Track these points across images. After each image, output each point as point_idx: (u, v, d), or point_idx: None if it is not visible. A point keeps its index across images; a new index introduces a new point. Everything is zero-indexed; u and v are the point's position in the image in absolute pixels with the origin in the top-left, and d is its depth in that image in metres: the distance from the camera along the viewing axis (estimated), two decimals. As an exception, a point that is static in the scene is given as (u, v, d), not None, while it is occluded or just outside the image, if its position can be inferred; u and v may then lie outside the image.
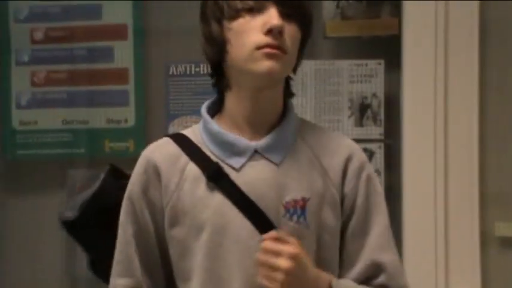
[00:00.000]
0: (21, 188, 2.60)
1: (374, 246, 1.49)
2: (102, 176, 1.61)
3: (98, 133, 2.52)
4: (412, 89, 2.24)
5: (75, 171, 2.50)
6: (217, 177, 1.46)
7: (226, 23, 1.43)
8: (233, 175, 1.44)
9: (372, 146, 2.30)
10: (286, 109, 1.52)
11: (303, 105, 2.31)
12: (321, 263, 1.47)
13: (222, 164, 1.46)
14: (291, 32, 1.41)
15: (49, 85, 2.54)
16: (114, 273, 1.50)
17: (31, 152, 2.55)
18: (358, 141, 2.13)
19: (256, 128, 1.48)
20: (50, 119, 2.54)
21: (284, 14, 1.40)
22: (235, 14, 1.41)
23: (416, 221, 2.24)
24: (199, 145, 1.48)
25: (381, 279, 1.48)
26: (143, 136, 2.44)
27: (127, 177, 1.55)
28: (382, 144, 2.31)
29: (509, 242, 2.28)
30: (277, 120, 1.50)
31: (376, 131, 2.33)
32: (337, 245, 1.49)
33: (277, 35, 1.37)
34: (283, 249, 1.36)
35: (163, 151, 1.49)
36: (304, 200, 1.45)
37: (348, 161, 1.49)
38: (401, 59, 2.25)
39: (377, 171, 2.25)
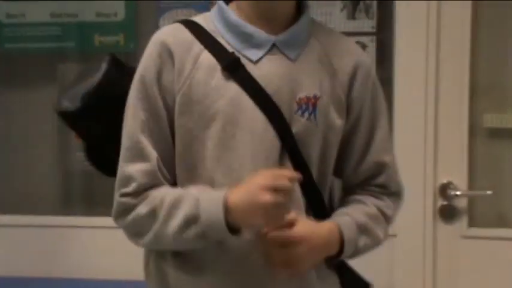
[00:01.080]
0: (10, 82, 2.59)
1: (378, 149, 1.54)
2: (104, 66, 1.59)
3: (88, 27, 2.50)
4: None
5: (65, 66, 2.51)
6: (233, 68, 1.46)
7: None
8: (249, 67, 1.45)
9: (364, 39, 2.29)
10: (301, 5, 1.51)
11: None
12: (323, 160, 1.51)
13: (238, 55, 1.46)
14: None
15: None
16: (125, 159, 1.48)
17: (19, 46, 2.54)
18: (350, 34, 2.17)
19: (272, 22, 1.48)
20: (38, 11, 2.51)
21: None
22: None
23: (407, 114, 2.27)
24: (213, 34, 1.48)
25: (381, 179, 1.54)
26: (133, 30, 2.42)
27: (129, 68, 1.55)
28: (374, 38, 2.31)
29: (496, 133, 2.33)
30: (292, 16, 1.50)
31: (368, 24, 2.32)
32: (338, 145, 1.53)
33: None
34: (294, 236, 1.38)
35: (178, 36, 1.48)
36: (316, 98, 1.47)
37: (357, 66, 1.50)
38: None
39: None
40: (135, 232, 1.47)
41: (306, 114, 1.46)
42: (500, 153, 2.36)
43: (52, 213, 2.53)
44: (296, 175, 1.39)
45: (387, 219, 1.56)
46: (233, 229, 1.37)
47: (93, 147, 1.62)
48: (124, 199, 1.46)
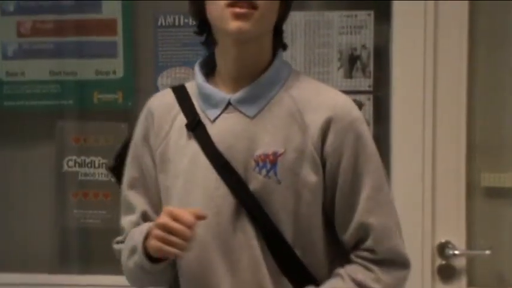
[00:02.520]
0: (9, 139, 2.59)
1: (362, 209, 1.49)
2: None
3: (87, 84, 2.50)
4: (401, 40, 2.25)
5: (64, 123, 2.51)
6: (194, 127, 1.52)
7: None
8: (208, 126, 1.49)
9: (361, 98, 2.30)
10: (274, 62, 1.52)
11: (292, 57, 2.31)
12: (299, 218, 1.49)
13: (202, 115, 1.51)
14: None
15: (36, 35, 2.51)
16: (121, 211, 1.62)
17: (18, 104, 2.54)
18: (347, 92, 2.01)
19: (239, 81, 1.51)
20: (37, 70, 2.52)
21: None
22: None
23: (405, 172, 2.27)
24: (192, 97, 1.54)
25: (368, 243, 1.50)
26: (132, 88, 2.44)
27: None
28: (371, 96, 2.32)
29: (494, 192, 2.33)
30: (259, 73, 1.51)
31: (365, 82, 2.33)
32: (319, 202, 1.50)
33: None
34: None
35: (162, 100, 1.57)
36: (276, 155, 1.47)
37: (330, 120, 1.47)
38: (391, 10, 2.26)
39: (366, 122, 2.23)
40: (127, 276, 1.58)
41: (264, 171, 1.46)
42: (498, 212, 2.35)
43: (48, 272, 2.51)
44: (201, 212, 1.39)
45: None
46: (152, 258, 1.44)
47: None
48: (117, 246, 1.61)
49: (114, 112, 2.43)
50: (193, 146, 1.50)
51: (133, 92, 2.33)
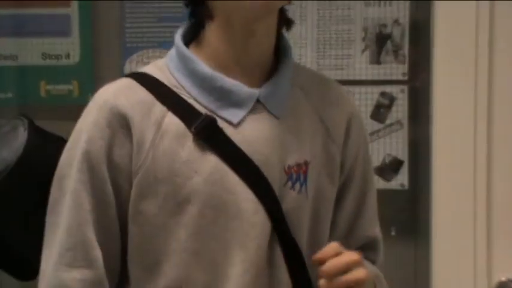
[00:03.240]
0: None
1: (369, 221, 1.47)
2: (24, 134, 1.44)
3: (31, 72, 2.27)
4: (446, 14, 2.00)
5: (2, 122, 2.26)
6: (209, 134, 1.32)
7: None
8: (229, 131, 1.31)
9: (393, 90, 2.10)
10: (281, 47, 1.39)
11: (301, 36, 2.12)
12: (313, 237, 1.40)
13: (213, 117, 1.33)
14: None
15: None
16: (62, 262, 1.31)
17: None
18: (374, 83, 2.10)
19: (249, 70, 1.34)
20: None
21: None
22: None
23: (450, 189, 2.00)
24: (176, 90, 1.33)
25: (372, 256, 1.46)
26: (91, 76, 2.20)
27: (52, 140, 1.44)
28: (406, 87, 2.11)
29: None
30: (271, 62, 1.38)
31: (398, 69, 2.12)
32: (330, 217, 1.44)
33: None
34: (348, 261, 1.28)
35: (132, 96, 1.31)
36: (307, 164, 1.37)
37: (351, 118, 1.42)
38: None
39: (399, 123, 2.09)
40: None
41: (297, 186, 1.35)
42: None
43: None
44: None
45: None
46: None
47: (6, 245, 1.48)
48: None
49: (68, 108, 2.13)
50: (211, 160, 1.31)
51: (94, 81, 2.10)
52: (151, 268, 1.33)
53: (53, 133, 1.44)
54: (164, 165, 1.31)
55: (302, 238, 1.39)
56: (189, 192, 1.31)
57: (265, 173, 1.32)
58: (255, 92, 1.33)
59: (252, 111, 1.33)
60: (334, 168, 1.40)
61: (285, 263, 1.36)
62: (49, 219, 1.31)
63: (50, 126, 1.96)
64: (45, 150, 1.42)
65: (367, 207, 1.46)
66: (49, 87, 2.26)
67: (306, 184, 1.36)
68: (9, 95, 2.30)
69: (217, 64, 1.35)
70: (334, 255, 1.29)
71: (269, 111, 1.34)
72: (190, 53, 1.36)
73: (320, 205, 1.39)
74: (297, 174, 1.37)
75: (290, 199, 1.34)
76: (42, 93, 2.25)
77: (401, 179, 2.08)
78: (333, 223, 1.44)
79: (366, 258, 1.44)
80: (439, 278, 2.09)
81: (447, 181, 2.02)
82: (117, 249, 1.35)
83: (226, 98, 1.33)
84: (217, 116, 1.32)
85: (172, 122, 1.31)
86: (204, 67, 1.34)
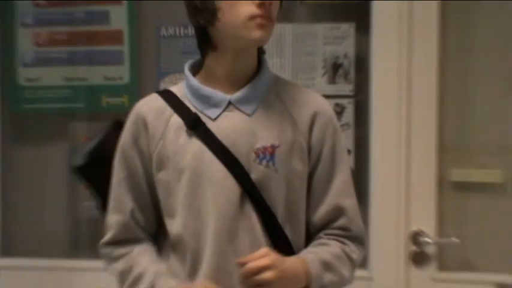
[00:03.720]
0: (26, 139, 2.62)
1: (337, 192, 1.56)
2: (106, 128, 1.71)
3: (96, 89, 2.52)
4: (379, 49, 2.29)
5: (75, 124, 2.54)
6: (195, 126, 1.52)
7: None
8: (209, 124, 1.51)
9: (343, 102, 2.34)
10: (260, 65, 1.56)
11: (281, 65, 2.34)
12: (289, 203, 1.54)
13: (200, 115, 1.52)
14: (275, 2, 1.48)
15: (51, 45, 2.53)
16: (109, 210, 1.60)
17: (35, 106, 2.56)
18: (330, 97, 2.20)
19: (233, 82, 1.53)
20: (52, 76, 2.54)
21: None
22: None
23: (383, 168, 2.31)
24: (182, 99, 1.55)
25: (342, 221, 1.56)
26: (136, 92, 2.45)
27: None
28: (352, 100, 2.35)
29: (461, 186, 2.36)
30: (253, 76, 1.55)
31: (347, 88, 2.36)
32: (305, 188, 1.55)
33: (268, 7, 1.44)
34: (262, 264, 1.40)
35: (151, 105, 1.56)
36: (273, 147, 1.51)
37: (315, 115, 1.54)
38: (371, 23, 2.29)
39: (347, 124, 2.32)
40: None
41: (264, 162, 1.50)
42: (465, 204, 2.36)
43: (61, 257, 2.54)
44: None
45: (352, 261, 1.56)
46: None
47: (98, 194, 1.71)
48: (103, 251, 1.62)
49: (120, 114, 2.25)
50: (196, 143, 1.52)
51: (138, 96, 2.22)
52: (172, 217, 1.56)
53: None
54: (169, 149, 1.53)
55: (277, 201, 1.53)
56: (183, 166, 1.52)
57: (233, 152, 1.50)
58: (227, 96, 1.52)
59: (226, 110, 1.53)
60: (302, 153, 1.54)
61: (256, 215, 1.51)
62: (112, 183, 1.61)
63: (107, 126, 2.22)
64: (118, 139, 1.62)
65: (336, 183, 1.56)
66: (108, 99, 2.51)
67: (272, 161, 1.51)
68: (81, 105, 2.55)
69: (210, 80, 1.55)
70: (257, 259, 1.43)
71: (241, 110, 1.53)
72: (189, 74, 1.57)
73: (292, 178, 1.53)
74: (264, 154, 1.51)
75: (258, 171, 1.50)
76: (103, 104, 2.51)
77: (350, 162, 2.03)
78: (309, 193, 1.57)
79: (339, 226, 1.57)
80: (374, 228, 2.28)
81: (380, 162, 2.30)
82: (148, 202, 1.58)
83: (207, 101, 1.53)
84: (203, 114, 1.53)
85: (175, 120, 1.54)
86: (193, 81, 1.55)
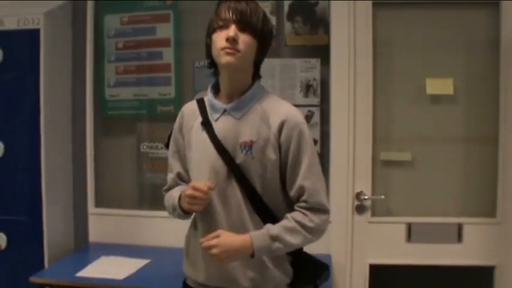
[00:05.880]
0: (110, 133, 2.70)
1: (301, 176, 1.56)
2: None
3: (153, 101, 2.65)
4: (335, 76, 2.45)
5: (141, 124, 2.66)
6: (205, 124, 1.59)
7: (211, 36, 1.55)
8: (213, 124, 1.58)
9: (313, 109, 2.50)
10: (254, 82, 1.61)
11: (273, 86, 2.47)
12: (265, 179, 1.56)
13: (210, 117, 1.59)
14: (245, 39, 1.52)
15: (125, 74, 2.64)
16: (168, 170, 1.72)
17: (116, 113, 2.68)
18: (304, 106, 2.42)
19: (231, 96, 1.59)
20: (126, 93, 2.66)
21: (240, 29, 1.51)
22: (213, 30, 1.55)
23: (338, 152, 2.48)
24: (206, 105, 1.63)
25: (303, 197, 1.57)
26: (179, 103, 2.55)
27: None
28: (319, 108, 2.51)
29: (386, 163, 2.50)
30: (248, 88, 1.57)
31: (315, 100, 2.51)
32: (277, 171, 1.57)
33: (232, 41, 1.49)
34: (210, 244, 1.48)
35: (189, 107, 1.69)
36: (252, 142, 1.55)
37: (283, 122, 1.56)
38: (330, 59, 2.45)
39: (316, 123, 2.48)
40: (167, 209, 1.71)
41: (244, 151, 1.54)
42: (389, 174, 2.51)
43: (132, 208, 2.65)
44: (211, 184, 1.49)
45: (307, 228, 1.55)
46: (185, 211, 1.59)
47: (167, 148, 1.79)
48: (164, 193, 1.72)
49: (169, 117, 2.44)
50: (205, 136, 1.59)
51: (180, 105, 2.00)
52: (192, 178, 1.63)
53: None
54: (192, 137, 1.62)
55: (255, 178, 1.54)
56: (195, 149, 1.60)
57: (224, 143, 1.55)
58: (224, 106, 1.56)
59: (223, 114, 1.56)
60: (274, 146, 1.55)
61: (239, 186, 1.53)
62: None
63: (161, 125, 2.59)
64: None
65: (301, 169, 1.55)
66: (161, 108, 2.63)
67: (250, 151, 1.53)
68: (144, 111, 2.66)
69: (220, 94, 1.60)
70: (210, 239, 1.46)
71: (232, 116, 1.55)
72: (209, 90, 1.62)
73: (266, 163, 1.55)
74: (245, 146, 1.54)
75: (240, 157, 1.54)
76: (158, 111, 2.64)
77: (317, 150, 2.05)
78: (283, 176, 1.57)
79: (302, 200, 1.54)
80: (332, 191, 2.38)
81: (336, 148, 2.45)
82: (185, 167, 1.65)
83: (213, 108, 1.59)
84: (212, 116, 1.57)
85: (199, 118, 1.61)
86: (210, 95, 1.61)
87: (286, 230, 1.53)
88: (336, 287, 2.44)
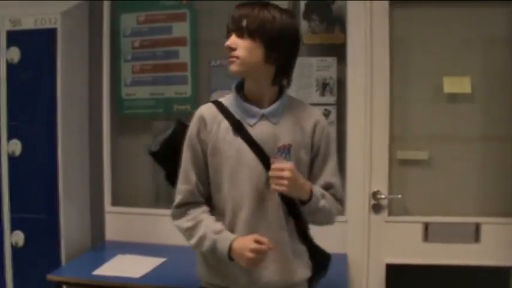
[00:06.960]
0: (127, 131, 2.70)
1: (328, 173, 1.64)
2: (173, 126, 1.75)
3: (170, 100, 2.63)
4: (352, 74, 2.44)
5: (157, 123, 2.64)
6: (238, 129, 1.57)
7: None
8: (248, 128, 1.57)
9: (329, 108, 2.47)
10: (280, 92, 1.63)
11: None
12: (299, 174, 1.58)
13: (242, 121, 1.57)
14: (243, 44, 1.50)
15: (142, 73, 2.64)
16: (179, 181, 1.63)
17: (132, 111, 2.67)
18: (321, 105, 2.40)
19: (260, 102, 1.59)
20: (142, 92, 2.65)
21: (238, 35, 1.51)
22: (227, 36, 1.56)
23: (355, 151, 2.46)
24: (229, 108, 1.60)
25: (331, 191, 1.65)
26: (195, 102, 2.57)
27: (187, 127, 1.66)
28: (335, 107, 2.48)
29: (404, 162, 2.47)
30: (274, 97, 1.60)
31: (331, 99, 2.48)
32: (307, 168, 1.62)
33: (229, 50, 1.52)
34: (285, 167, 1.50)
35: (209, 111, 1.62)
36: (290, 145, 1.59)
37: (315, 124, 1.62)
38: (347, 57, 2.43)
39: (332, 122, 2.44)
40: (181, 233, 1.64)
41: (283, 155, 1.57)
42: (405, 173, 2.48)
43: (147, 206, 2.63)
44: (268, 243, 1.46)
45: (337, 207, 1.65)
46: (230, 257, 1.54)
47: (168, 173, 1.76)
48: (173, 211, 1.63)
49: (185, 116, 2.16)
50: (239, 141, 1.56)
51: (197, 105, 2.04)
52: (218, 189, 1.59)
53: (188, 125, 1.66)
54: (219, 143, 1.57)
55: None
56: (230, 155, 1.56)
57: (263, 148, 1.54)
58: (261, 110, 1.56)
59: (260, 119, 1.56)
60: (307, 148, 1.59)
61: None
62: (181, 162, 1.62)
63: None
64: (183, 135, 1.62)
65: (327, 167, 1.62)
66: (177, 107, 2.62)
67: (289, 154, 1.57)
68: (160, 110, 2.64)
69: (247, 96, 1.58)
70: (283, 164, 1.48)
71: (269, 121, 1.56)
72: (235, 91, 1.60)
73: (299, 165, 1.57)
74: (283, 149, 1.56)
75: (279, 160, 1.53)
76: (174, 110, 2.63)
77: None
78: (311, 173, 1.62)
79: (330, 193, 1.59)
80: (349, 189, 2.37)
81: (353, 146, 2.43)
82: (205, 178, 1.59)
83: (246, 112, 1.57)
84: (244, 120, 1.56)
85: (224, 123, 1.57)
86: (238, 98, 1.58)
87: (330, 198, 1.60)
88: (352, 286, 2.42)
